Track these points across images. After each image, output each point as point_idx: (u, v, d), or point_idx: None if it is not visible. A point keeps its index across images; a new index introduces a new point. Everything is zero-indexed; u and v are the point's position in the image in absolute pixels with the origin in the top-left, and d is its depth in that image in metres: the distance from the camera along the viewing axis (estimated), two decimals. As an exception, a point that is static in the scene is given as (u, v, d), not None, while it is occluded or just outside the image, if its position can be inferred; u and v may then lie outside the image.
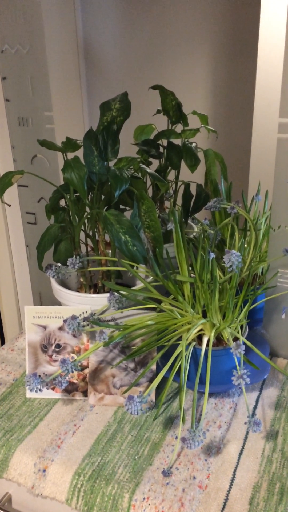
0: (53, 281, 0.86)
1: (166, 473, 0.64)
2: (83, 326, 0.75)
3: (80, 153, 0.78)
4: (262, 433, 0.71)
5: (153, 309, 0.78)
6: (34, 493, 0.67)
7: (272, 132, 0.91)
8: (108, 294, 0.77)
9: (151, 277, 0.81)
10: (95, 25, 1.11)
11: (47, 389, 0.79)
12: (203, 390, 0.73)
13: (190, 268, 0.79)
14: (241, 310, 0.77)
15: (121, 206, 0.85)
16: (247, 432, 0.71)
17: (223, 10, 1.01)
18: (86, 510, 0.63)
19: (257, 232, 0.89)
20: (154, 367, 0.77)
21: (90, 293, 0.86)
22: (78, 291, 0.85)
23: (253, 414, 0.75)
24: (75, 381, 0.79)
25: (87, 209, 0.82)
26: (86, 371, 0.79)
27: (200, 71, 1.07)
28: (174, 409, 0.76)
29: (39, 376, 0.70)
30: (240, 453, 0.68)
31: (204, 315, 0.76)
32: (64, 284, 0.87)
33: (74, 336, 0.79)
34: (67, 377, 0.70)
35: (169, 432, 0.72)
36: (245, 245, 0.87)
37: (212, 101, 1.09)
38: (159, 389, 0.80)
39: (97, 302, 0.80)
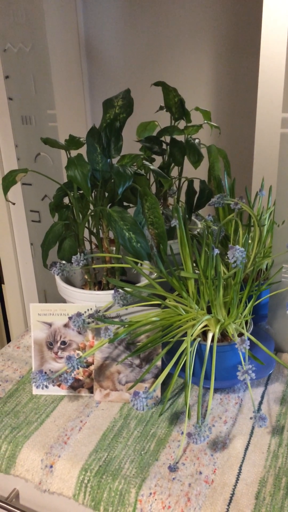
0: (57, 279, 0.86)
1: (172, 468, 0.64)
2: (88, 323, 0.76)
3: (83, 150, 0.78)
4: (268, 428, 0.71)
5: (158, 305, 0.79)
6: (41, 489, 0.68)
7: (275, 127, 0.90)
8: (112, 291, 0.78)
9: (155, 274, 0.81)
10: (96, 23, 1.11)
11: (53, 385, 0.80)
12: (208, 386, 0.73)
13: (194, 264, 0.79)
14: (246, 306, 0.77)
15: (125, 203, 0.85)
16: (253, 427, 0.71)
17: (225, 6, 1.01)
18: (93, 505, 0.64)
19: (261, 228, 0.89)
20: (159, 363, 0.78)
21: (94, 290, 0.86)
22: (82, 288, 0.85)
23: (259, 409, 0.75)
24: (80, 377, 0.80)
25: (91, 207, 0.82)
26: (92, 367, 0.79)
27: (202, 67, 1.07)
28: (180, 405, 0.76)
29: (45, 373, 0.70)
30: (246, 448, 0.68)
31: (209, 311, 0.76)
32: (68, 281, 0.87)
33: (79, 333, 0.80)
34: (72, 374, 0.71)
35: (175, 428, 0.72)
36: (249, 241, 0.87)
37: (215, 97, 1.08)
38: (165, 385, 0.80)
39: (101, 299, 0.80)
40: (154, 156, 0.94)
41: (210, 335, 0.73)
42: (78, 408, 0.77)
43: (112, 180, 0.78)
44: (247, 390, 0.79)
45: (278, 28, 0.82)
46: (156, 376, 0.77)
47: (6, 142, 1.16)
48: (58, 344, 0.80)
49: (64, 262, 0.84)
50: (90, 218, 0.83)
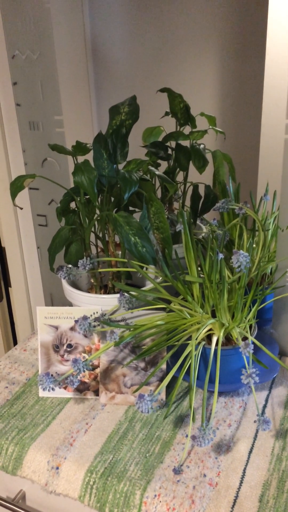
0: (64, 282, 0.87)
1: (177, 471, 0.65)
2: (94, 326, 0.77)
3: (89, 156, 0.79)
4: (272, 431, 0.72)
5: (163, 309, 0.79)
6: (48, 490, 0.69)
7: (280, 133, 0.91)
8: (118, 295, 0.78)
9: (161, 278, 0.82)
10: (103, 29, 1.12)
11: (59, 388, 0.81)
12: (212, 389, 0.74)
13: (199, 269, 0.79)
14: (250, 310, 0.78)
15: (131, 208, 0.86)
16: (257, 431, 0.72)
17: (230, 11, 1.02)
18: (98, 507, 0.64)
19: (266, 232, 0.90)
20: (164, 366, 0.78)
21: (100, 293, 0.87)
22: (88, 292, 0.86)
23: (263, 412, 0.75)
24: (86, 380, 0.81)
25: (97, 211, 0.83)
26: (97, 370, 0.80)
27: (207, 72, 1.08)
28: (184, 408, 0.77)
29: (52, 375, 0.71)
30: (250, 451, 0.68)
31: (213, 315, 0.76)
32: (75, 285, 0.88)
33: (85, 336, 0.81)
34: (78, 377, 0.71)
35: (179, 431, 0.73)
36: (254, 245, 0.88)
37: (220, 103, 1.09)
38: (169, 388, 0.81)
39: (107, 302, 0.81)
40: (159, 161, 0.94)
41: (214, 339, 0.74)
42: (84, 410, 0.78)
43: (118, 186, 0.79)
44: (251, 393, 0.79)
45: (284, 33, 0.83)
46: (161, 379, 0.78)
47: (14, 147, 1.18)
48: (64, 347, 0.81)
49: (70, 266, 0.85)
50: (96, 222, 0.84)
